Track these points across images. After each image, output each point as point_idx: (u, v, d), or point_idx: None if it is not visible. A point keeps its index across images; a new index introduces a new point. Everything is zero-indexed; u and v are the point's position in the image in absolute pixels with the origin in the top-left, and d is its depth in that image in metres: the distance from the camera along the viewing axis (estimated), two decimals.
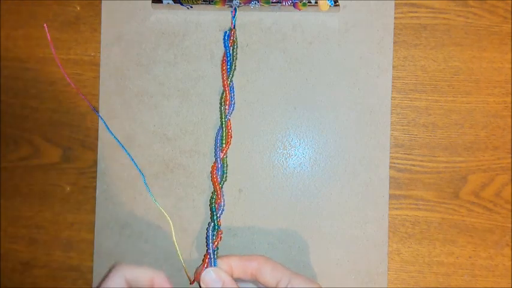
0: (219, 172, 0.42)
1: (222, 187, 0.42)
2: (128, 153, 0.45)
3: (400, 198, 0.44)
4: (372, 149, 0.44)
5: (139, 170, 0.45)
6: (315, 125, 0.44)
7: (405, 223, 0.44)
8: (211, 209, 0.42)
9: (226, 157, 0.43)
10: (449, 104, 0.44)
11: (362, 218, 0.43)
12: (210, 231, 0.41)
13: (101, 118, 0.45)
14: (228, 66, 0.43)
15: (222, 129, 0.43)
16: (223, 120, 0.42)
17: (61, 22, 0.47)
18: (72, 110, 0.46)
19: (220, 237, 0.42)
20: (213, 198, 0.42)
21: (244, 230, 0.44)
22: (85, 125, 0.46)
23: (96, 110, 0.46)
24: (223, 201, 0.43)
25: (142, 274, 0.35)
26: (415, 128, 0.44)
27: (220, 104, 0.43)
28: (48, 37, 0.45)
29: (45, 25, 0.43)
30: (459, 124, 0.44)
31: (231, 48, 0.43)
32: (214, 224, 0.41)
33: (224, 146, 0.43)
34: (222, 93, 0.43)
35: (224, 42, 0.44)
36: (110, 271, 0.35)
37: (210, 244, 0.40)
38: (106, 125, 0.45)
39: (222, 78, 0.43)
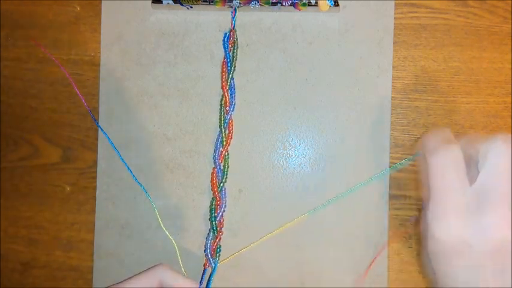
0: (219, 174, 0.43)
1: (221, 189, 0.43)
2: (123, 159, 0.45)
3: (400, 198, 0.44)
4: (372, 149, 0.43)
5: (135, 178, 0.45)
6: (315, 125, 0.44)
7: (405, 223, 0.44)
8: (210, 211, 0.42)
9: (228, 157, 0.43)
10: (450, 104, 0.44)
11: (362, 218, 0.43)
12: (211, 234, 0.42)
13: (97, 122, 0.45)
14: (228, 69, 0.43)
15: (221, 132, 0.43)
16: (221, 122, 0.43)
17: (61, 22, 0.47)
18: (72, 110, 0.46)
19: (220, 237, 0.42)
20: (213, 200, 0.43)
21: (244, 230, 0.44)
22: (85, 125, 0.46)
23: (96, 110, 0.46)
24: (225, 203, 0.43)
25: (179, 282, 0.37)
26: (415, 128, 0.44)
27: (221, 105, 0.43)
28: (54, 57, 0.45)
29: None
30: (459, 124, 0.44)
31: (231, 49, 0.43)
32: (213, 226, 0.42)
33: (222, 148, 0.43)
34: (223, 96, 0.43)
35: (224, 44, 0.44)
36: (149, 268, 0.37)
37: (209, 244, 0.41)
38: (102, 130, 0.45)
39: (222, 80, 0.43)
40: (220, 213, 0.42)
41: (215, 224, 0.42)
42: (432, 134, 0.30)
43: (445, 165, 0.27)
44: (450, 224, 0.26)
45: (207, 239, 0.42)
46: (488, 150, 0.27)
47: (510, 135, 0.28)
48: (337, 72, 0.44)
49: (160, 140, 0.45)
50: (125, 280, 0.36)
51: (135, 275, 0.37)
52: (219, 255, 0.42)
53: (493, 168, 0.27)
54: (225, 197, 0.43)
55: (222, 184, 0.43)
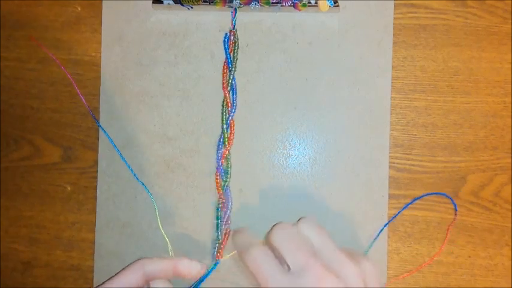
0: (222, 174, 0.43)
1: (225, 189, 0.43)
2: (123, 158, 0.45)
3: (399, 197, 0.44)
4: (371, 148, 0.44)
5: (136, 176, 0.45)
6: (315, 125, 0.44)
7: (404, 222, 0.44)
8: (216, 210, 0.43)
9: (230, 158, 0.44)
10: (449, 104, 0.44)
11: (362, 217, 0.44)
12: (217, 233, 0.43)
13: (99, 124, 0.45)
14: (229, 69, 0.43)
15: (223, 133, 0.43)
16: (223, 123, 0.43)
17: (62, 23, 0.47)
18: (72, 110, 0.46)
19: (228, 236, 0.43)
20: (219, 203, 0.43)
21: None
22: (86, 125, 0.46)
23: (96, 110, 0.46)
24: (231, 202, 0.43)
25: (163, 266, 0.35)
26: (414, 128, 0.44)
27: (222, 106, 0.44)
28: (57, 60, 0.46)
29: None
30: (458, 124, 0.44)
31: (232, 49, 0.44)
32: (217, 225, 0.43)
33: (224, 148, 0.43)
34: (224, 97, 0.44)
35: (224, 45, 0.44)
36: (129, 264, 0.35)
37: (216, 242, 0.42)
38: (103, 130, 0.45)
39: (223, 81, 0.43)
40: (227, 213, 0.43)
41: (219, 222, 0.43)
42: (238, 236, 0.35)
43: (260, 261, 0.31)
44: None
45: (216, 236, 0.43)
46: (273, 240, 0.32)
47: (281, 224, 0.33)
48: (337, 72, 0.44)
49: (161, 139, 0.45)
50: (106, 281, 0.34)
51: (116, 273, 0.35)
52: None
53: (286, 250, 0.31)
54: (231, 197, 0.44)
55: (225, 184, 0.43)
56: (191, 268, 0.35)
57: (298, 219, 0.33)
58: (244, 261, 0.32)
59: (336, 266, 0.30)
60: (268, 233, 0.33)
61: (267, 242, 0.33)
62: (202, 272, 0.36)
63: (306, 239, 0.32)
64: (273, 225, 0.33)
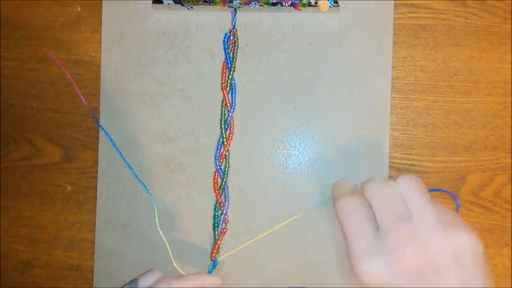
0: (220, 174, 0.44)
1: (223, 189, 0.43)
2: (123, 158, 0.45)
3: None
4: (371, 148, 0.44)
5: (136, 176, 0.45)
6: (315, 125, 0.44)
7: None
8: (214, 209, 0.43)
9: (228, 157, 0.44)
10: (449, 104, 0.44)
11: None
12: (214, 231, 0.43)
13: (98, 123, 0.46)
14: (228, 69, 0.44)
15: (222, 132, 0.43)
16: (222, 123, 0.43)
17: (62, 23, 0.47)
18: (72, 110, 0.46)
19: (224, 233, 0.43)
20: (216, 204, 0.44)
21: (245, 230, 0.44)
22: (86, 125, 0.46)
23: (96, 110, 0.46)
24: (228, 202, 0.44)
25: (192, 284, 0.35)
26: (414, 128, 0.44)
27: (222, 106, 0.44)
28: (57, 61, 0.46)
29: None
30: (458, 124, 0.44)
31: (232, 49, 0.44)
32: (214, 224, 0.43)
33: (222, 148, 0.43)
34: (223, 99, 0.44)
35: (224, 44, 0.44)
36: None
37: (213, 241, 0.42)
38: (103, 129, 0.45)
39: (222, 81, 0.44)
40: (224, 212, 0.43)
41: (216, 222, 0.43)
42: (338, 184, 0.33)
43: (348, 213, 0.29)
44: (366, 267, 0.27)
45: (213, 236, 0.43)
46: (366, 194, 0.29)
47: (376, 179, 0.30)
48: (337, 72, 0.44)
49: (161, 139, 0.45)
50: None
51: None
52: (218, 255, 0.43)
53: (376, 208, 0.29)
54: (228, 196, 0.44)
55: (223, 184, 0.43)
56: (217, 283, 0.36)
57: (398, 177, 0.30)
58: (335, 210, 0.30)
59: (424, 234, 0.27)
60: (362, 185, 0.30)
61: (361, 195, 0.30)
62: (223, 283, 0.36)
63: (400, 198, 0.28)
64: (369, 179, 0.30)
